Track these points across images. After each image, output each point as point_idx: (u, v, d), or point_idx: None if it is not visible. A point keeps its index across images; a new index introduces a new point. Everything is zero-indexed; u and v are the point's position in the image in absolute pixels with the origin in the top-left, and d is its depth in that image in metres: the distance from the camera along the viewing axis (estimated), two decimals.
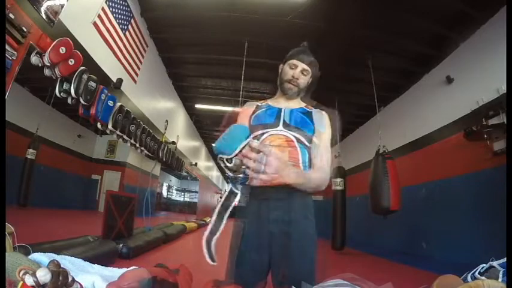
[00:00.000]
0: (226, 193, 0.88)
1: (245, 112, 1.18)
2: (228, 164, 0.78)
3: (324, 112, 1.17)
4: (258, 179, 0.76)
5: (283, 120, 1.08)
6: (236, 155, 0.76)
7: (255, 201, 1.02)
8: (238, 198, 0.84)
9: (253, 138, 0.84)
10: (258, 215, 1.00)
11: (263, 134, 1.06)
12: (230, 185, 0.92)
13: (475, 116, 4.60)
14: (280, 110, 1.12)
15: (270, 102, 1.20)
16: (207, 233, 0.84)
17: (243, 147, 0.75)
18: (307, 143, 1.06)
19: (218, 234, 0.84)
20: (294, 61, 1.13)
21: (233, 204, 0.86)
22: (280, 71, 1.19)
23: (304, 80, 1.14)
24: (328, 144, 1.11)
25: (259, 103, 1.21)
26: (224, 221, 0.86)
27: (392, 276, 4.23)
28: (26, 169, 6.14)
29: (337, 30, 5.16)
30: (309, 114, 1.14)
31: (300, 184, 0.93)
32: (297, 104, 1.19)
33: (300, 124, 1.08)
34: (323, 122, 1.13)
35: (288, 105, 1.15)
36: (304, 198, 1.03)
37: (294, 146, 1.04)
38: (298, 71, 1.12)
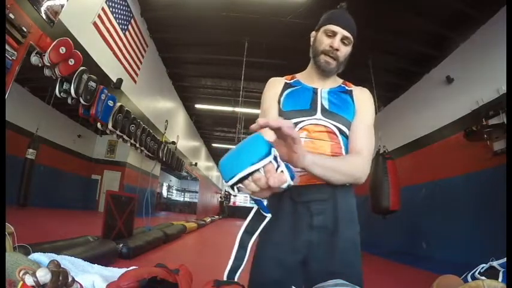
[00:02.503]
0: (251, 216, 0.64)
1: (272, 92, 0.94)
2: (232, 192, 0.51)
3: (366, 90, 0.97)
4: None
5: (321, 105, 0.88)
6: (235, 184, 0.48)
7: (290, 202, 0.84)
8: (266, 222, 0.62)
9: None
10: (296, 220, 0.82)
11: (297, 123, 0.85)
12: (256, 206, 0.63)
13: (475, 116, 4.60)
14: (315, 91, 0.91)
15: (300, 78, 0.97)
16: (227, 271, 0.64)
17: (247, 175, 0.46)
18: (348, 132, 0.88)
19: (242, 267, 0.64)
20: (332, 27, 0.88)
21: (259, 230, 0.63)
22: (312, 39, 0.95)
23: (345, 51, 0.90)
24: (372, 126, 0.91)
25: (287, 80, 0.98)
26: (248, 251, 0.64)
27: (393, 276, 4.24)
28: (26, 169, 6.13)
29: None
30: (349, 94, 0.94)
31: (323, 174, 0.71)
32: (334, 81, 0.97)
33: (341, 109, 0.88)
34: (366, 101, 0.94)
35: (324, 84, 0.94)
36: (349, 198, 0.88)
37: (335, 139, 0.86)
38: (338, 39, 0.88)
